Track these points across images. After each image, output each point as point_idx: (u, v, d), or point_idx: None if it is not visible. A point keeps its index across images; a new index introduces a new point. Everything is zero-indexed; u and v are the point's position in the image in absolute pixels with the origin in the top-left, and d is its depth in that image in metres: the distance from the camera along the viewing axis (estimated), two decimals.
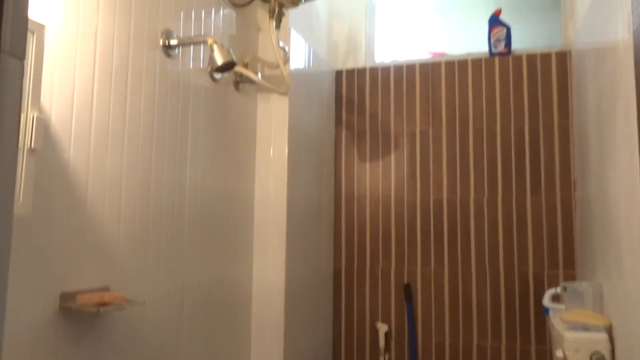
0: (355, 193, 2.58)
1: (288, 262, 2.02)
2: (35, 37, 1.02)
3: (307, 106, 2.29)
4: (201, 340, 1.71)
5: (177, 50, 1.61)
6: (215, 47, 1.55)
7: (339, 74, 2.67)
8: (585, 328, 1.62)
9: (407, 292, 2.43)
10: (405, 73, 2.57)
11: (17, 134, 0.60)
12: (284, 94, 2.02)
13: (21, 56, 0.60)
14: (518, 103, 2.41)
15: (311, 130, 2.34)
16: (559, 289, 2.07)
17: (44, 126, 1.12)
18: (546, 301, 2.13)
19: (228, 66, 1.58)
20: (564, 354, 1.60)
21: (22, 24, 0.61)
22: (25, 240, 1.10)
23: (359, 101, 2.63)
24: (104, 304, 1.21)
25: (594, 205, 1.86)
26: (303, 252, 2.20)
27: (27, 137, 1.02)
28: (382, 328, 2.42)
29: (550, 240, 2.30)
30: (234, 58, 1.58)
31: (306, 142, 2.27)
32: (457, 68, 2.50)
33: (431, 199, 2.47)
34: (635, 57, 0.75)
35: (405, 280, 2.45)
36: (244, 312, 1.97)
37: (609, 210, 1.64)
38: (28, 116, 1.01)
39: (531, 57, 2.41)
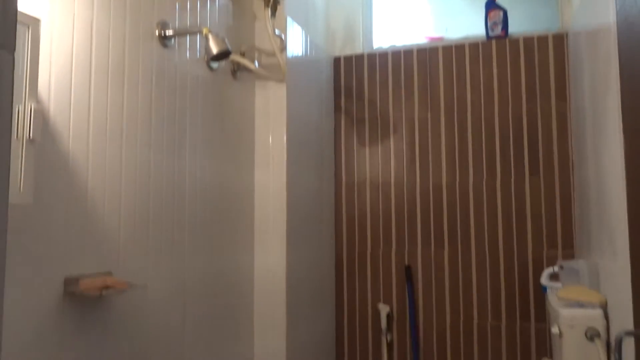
0: (356, 179, 2.61)
1: (289, 251, 2.06)
2: (30, 30, 1.06)
3: (305, 93, 2.32)
4: (204, 324, 1.76)
5: (173, 41, 1.64)
6: (210, 36, 1.58)
7: (337, 60, 2.69)
8: (581, 305, 1.65)
9: (408, 273, 2.46)
10: (403, 59, 2.58)
11: (10, 123, 0.64)
12: (281, 81, 2.05)
13: (12, 49, 0.63)
14: (516, 86, 2.42)
15: (310, 117, 2.36)
16: (556, 268, 2.09)
17: (42, 117, 1.16)
18: (544, 280, 2.17)
19: (223, 55, 1.61)
20: (560, 330, 1.63)
21: (11, 17, 0.64)
22: (28, 228, 1.15)
23: (357, 88, 2.65)
24: (107, 288, 1.25)
25: (591, 187, 1.88)
26: (304, 239, 2.23)
27: (26, 127, 1.06)
28: (384, 309, 2.46)
29: (549, 221, 2.32)
30: (229, 47, 1.60)
31: (305, 129, 2.30)
32: (454, 53, 2.51)
33: (430, 183, 2.49)
34: (619, 40, 0.77)
35: (406, 262, 2.49)
36: (246, 298, 2.01)
37: (604, 193, 1.66)
38: (26, 107, 1.05)
39: (528, 40, 2.41)
